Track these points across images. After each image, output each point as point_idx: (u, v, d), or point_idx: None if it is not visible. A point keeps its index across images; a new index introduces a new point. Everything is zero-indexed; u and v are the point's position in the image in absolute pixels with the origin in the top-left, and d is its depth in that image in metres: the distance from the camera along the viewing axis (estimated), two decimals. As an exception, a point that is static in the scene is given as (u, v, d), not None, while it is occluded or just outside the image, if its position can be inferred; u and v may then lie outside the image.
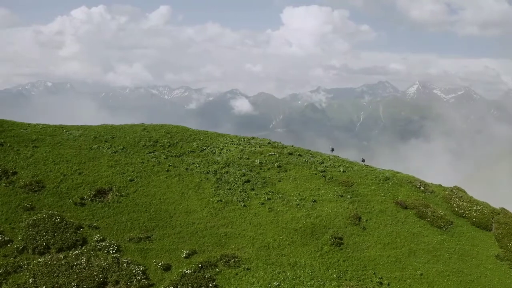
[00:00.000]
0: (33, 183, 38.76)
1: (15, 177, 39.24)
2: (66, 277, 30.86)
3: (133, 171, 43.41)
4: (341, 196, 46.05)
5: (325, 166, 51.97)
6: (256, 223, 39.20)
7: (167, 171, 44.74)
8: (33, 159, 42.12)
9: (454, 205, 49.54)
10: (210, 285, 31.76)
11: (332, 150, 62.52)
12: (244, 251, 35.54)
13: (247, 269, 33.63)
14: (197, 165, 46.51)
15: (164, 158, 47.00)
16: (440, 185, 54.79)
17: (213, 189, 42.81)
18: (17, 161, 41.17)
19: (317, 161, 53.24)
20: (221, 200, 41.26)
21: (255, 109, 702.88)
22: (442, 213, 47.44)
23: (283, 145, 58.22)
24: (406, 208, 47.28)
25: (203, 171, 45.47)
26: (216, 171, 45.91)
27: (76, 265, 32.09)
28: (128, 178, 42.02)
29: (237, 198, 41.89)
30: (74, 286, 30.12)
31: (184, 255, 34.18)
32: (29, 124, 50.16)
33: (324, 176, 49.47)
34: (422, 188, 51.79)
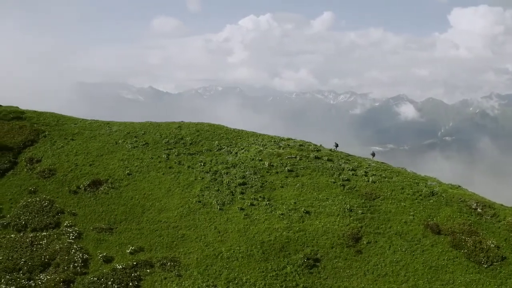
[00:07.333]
0: (46, 170, 44.26)
1: (37, 164, 45.39)
2: (22, 253, 34.89)
3: (137, 166, 45.72)
4: (350, 211, 39.36)
5: (354, 174, 45.14)
6: (222, 229, 36.76)
7: (170, 167, 45.64)
8: (61, 150, 48.30)
9: (517, 237, 37.00)
10: (131, 284, 31.17)
11: (336, 146, 53.88)
12: (189, 256, 34.02)
13: (178, 275, 32.08)
14: (202, 164, 46.03)
15: (176, 155, 48.10)
16: (512, 209, 41.55)
17: (200, 189, 41.67)
18: (46, 151, 47.87)
19: (348, 168, 46.54)
20: (200, 201, 40.15)
21: (422, 116, 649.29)
22: (492, 245, 36.20)
23: (315, 147, 52.64)
24: (438, 233, 37.75)
25: (204, 170, 44.88)
26: (217, 171, 44.67)
27: (36, 245, 35.83)
28: (127, 172, 44.19)
29: (218, 200, 40.08)
30: (22, 261, 33.89)
31: (129, 251, 34.31)
32: (81, 119, 57.63)
33: (343, 185, 42.91)
34: (479, 209, 40.39)
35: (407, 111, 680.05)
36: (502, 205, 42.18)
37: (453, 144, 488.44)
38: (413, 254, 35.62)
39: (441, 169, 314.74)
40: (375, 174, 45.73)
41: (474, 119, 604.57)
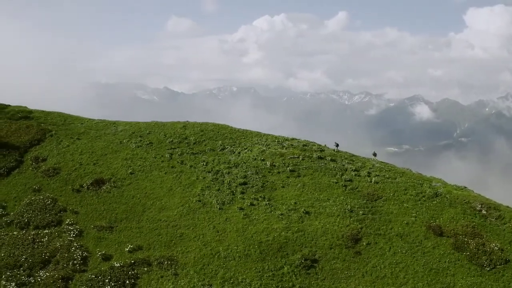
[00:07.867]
0: (50, 169, 44.90)
1: (42, 163, 46.07)
2: (23, 250, 35.38)
3: (140, 165, 46.01)
4: (351, 211, 38.96)
5: (356, 175, 44.69)
6: (220, 228, 36.72)
7: (172, 167, 45.81)
8: (66, 149, 48.96)
9: (523, 240, 36.14)
10: (127, 282, 31.33)
11: (337, 146, 53.16)
12: (186, 255, 34.14)
13: (175, 274, 32.20)
14: (205, 164, 46.14)
15: (179, 155, 48.28)
16: (519, 211, 40.57)
17: (201, 188, 41.74)
18: (52, 150, 48.59)
19: (351, 168, 46.05)
20: (200, 201, 40.25)
21: (438, 117, 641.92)
22: (496, 247, 35.48)
23: (319, 147, 52.23)
24: (440, 235, 37.13)
25: (206, 170, 44.96)
26: (219, 171, 44.71)
27: (37, 242, 36.35)
28: (129, 171, 44.50)
29: (218, 200, 40.06)
30: (23, 258, 34.37)
31: (128, 249, 34.54)
32: (88, 119, 58.20)
33: (345, 185, 42.48)
34: (483, 211, 39.59)
35: (423, 112, 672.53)
36: (508, 207, 41.23)
37: (468, 145, 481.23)
38: (414, 256, 35.05)
39: (456, 170, 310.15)
40: (378, 175, 45.15)
41: (490, 120, 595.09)
